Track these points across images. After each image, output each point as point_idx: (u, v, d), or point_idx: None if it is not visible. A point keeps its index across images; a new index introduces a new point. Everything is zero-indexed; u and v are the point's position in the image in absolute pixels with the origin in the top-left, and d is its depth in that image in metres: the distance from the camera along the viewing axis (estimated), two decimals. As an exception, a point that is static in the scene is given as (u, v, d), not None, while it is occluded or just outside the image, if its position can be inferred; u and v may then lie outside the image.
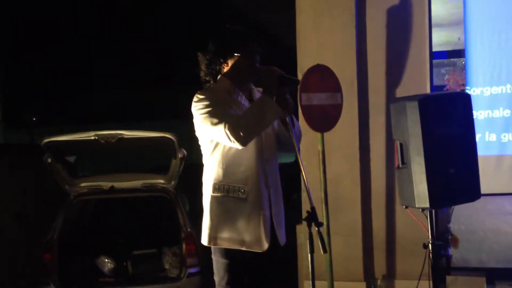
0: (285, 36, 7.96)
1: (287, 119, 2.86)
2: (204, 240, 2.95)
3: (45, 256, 5.08)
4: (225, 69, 2.97)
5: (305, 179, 2.79)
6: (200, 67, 3.01)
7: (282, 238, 2.97)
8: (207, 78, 3.01)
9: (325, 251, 2.57)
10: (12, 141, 15.40)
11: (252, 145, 2.86)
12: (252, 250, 2.87)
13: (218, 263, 2.94)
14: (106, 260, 5.47)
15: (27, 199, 6.74)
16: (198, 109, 2.88)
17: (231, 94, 2.95)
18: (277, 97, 2.82)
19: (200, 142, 2.99)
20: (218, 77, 2.99)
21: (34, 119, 17.90)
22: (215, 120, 2.81)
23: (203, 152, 2.98)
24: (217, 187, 2.90)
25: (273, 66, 2.88)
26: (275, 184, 2.98)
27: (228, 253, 2.89)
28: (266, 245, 2.87)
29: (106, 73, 17.23)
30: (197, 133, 2.97)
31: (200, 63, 3.01)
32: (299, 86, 4.49)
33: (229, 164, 2.88)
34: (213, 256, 2.97)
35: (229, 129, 2.75)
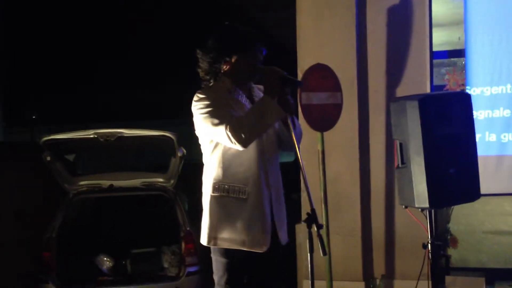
0: (285, 35, 7.95)
1: (288, 120, 2.84)
2: (204, 240, 2.92)
3: (44, 254, 5.07)
4: (226, 68, 2.93)
5: (305, 180, 2.78)
6: (200, 66, 2.95)
7: (283, 237, 2.95)
8: (208, 77, 2.96)
9: (324, 253, 2.54)
10: (13, 139, 15.41)
11: (252, 145, 2.83)
12: (253, 250, 2.86)
13: (217, 262, 2.92)
14: (105, 258, 5.46)
15: (26, 197, 6.74)
16: (198, 108, 2.85)
17: (232, 93, 2.91)
18: (278, 98, 2.79)
19: (200, 141, 2.97)
20: (218, 75, 2.96)
21: (34, 117, 17.92)
22: (216, 121, 2.78)
23: (203, 151, 2.96)
24: (217, 187, 2.87)
25: (275, 66, 2.85)
26: (276, 183, 2.96)
27: (227, 252, 2.88)
28: (266, 245, 2.86)
29: (107, 72, 17.23)
30: (197, 132, 2.95)
31: (200, 62, 2.94)
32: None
33: (230, 164, 2.86)
34: (212, 255, 2.95)
35: (230, 131, 2.72)
